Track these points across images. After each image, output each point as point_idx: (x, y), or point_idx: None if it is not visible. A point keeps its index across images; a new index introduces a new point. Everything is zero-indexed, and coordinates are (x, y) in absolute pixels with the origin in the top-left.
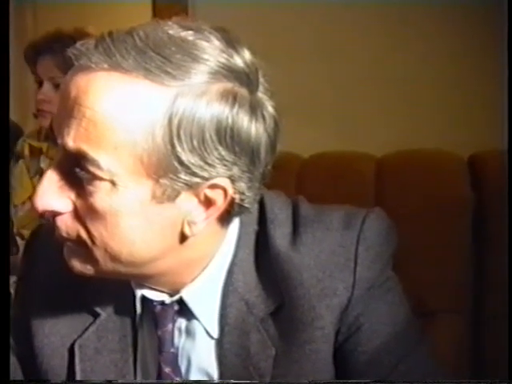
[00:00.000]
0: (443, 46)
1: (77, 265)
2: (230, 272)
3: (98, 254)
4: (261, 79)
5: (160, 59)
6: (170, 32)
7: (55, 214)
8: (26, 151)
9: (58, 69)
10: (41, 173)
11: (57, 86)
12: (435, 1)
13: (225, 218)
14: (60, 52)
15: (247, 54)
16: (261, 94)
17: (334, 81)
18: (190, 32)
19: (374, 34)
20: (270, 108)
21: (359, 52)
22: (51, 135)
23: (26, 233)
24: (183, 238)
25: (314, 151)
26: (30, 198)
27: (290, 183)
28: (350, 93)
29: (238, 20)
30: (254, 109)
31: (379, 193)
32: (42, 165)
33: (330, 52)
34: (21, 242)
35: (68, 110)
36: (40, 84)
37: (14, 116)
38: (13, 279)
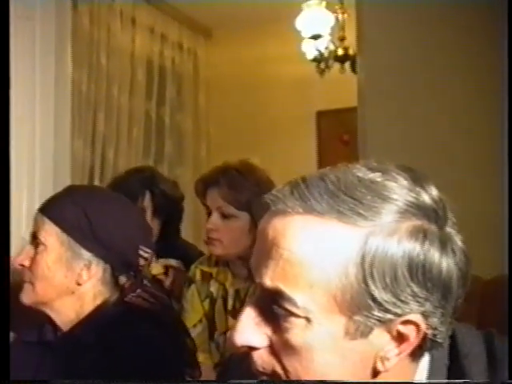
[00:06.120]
0: None
1: None
2: None
3: None
4: (449, 214)
5: (352, 201)
6: (359, 175)
7: (252, 349)
8: (198, 276)
9: (223, 199)
10: (211, 297)
11: (223, 215)
12: None
13: (416, 353)
14: (225, 184)
15: (434, 191)
16: (449, 229)
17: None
18: (378, 174)
19: None
20: (458, 242)
21: None
22: (221, 261)
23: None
24: (375, 373)
25: (495, 273)
26: (201, 320)
27: (471, 306)
28: None
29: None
30: (444, 244)
31: None
32: (212, 289)
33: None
34: None
35: (266, 251)
36: (209, 214)
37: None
38: None
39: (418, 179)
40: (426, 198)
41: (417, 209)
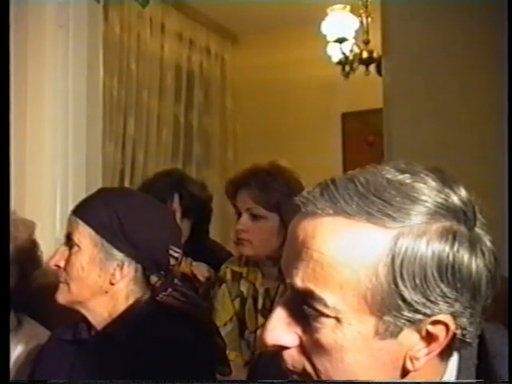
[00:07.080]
0: None
1: None
2: None
3: None
4: (478, 215)
5: (381, 203)
6: (388, 176)
7: (282, 348)
8: (228, 276)
9: (253, 200)
10: (241, 296)
11: (253, 216)
12: None
13: (445, 353)
14: (255, 186)
15: (463, 192)
16: (478, 230)
17: None
18: (407, 175)
19: None
20: (488, 243)
21: None
22: (251, 261)
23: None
24: (405, 372)
25: None
26: (231, 319)
27: (498, 306)
28: None
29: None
30: (474, 245)
31: None
32: (242, 288)
33: None
34: None
35: (296, 252)
36: (239, 215)
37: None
38: None
39: (446, 180)
40: (455, 199)
41: (446, 210)
